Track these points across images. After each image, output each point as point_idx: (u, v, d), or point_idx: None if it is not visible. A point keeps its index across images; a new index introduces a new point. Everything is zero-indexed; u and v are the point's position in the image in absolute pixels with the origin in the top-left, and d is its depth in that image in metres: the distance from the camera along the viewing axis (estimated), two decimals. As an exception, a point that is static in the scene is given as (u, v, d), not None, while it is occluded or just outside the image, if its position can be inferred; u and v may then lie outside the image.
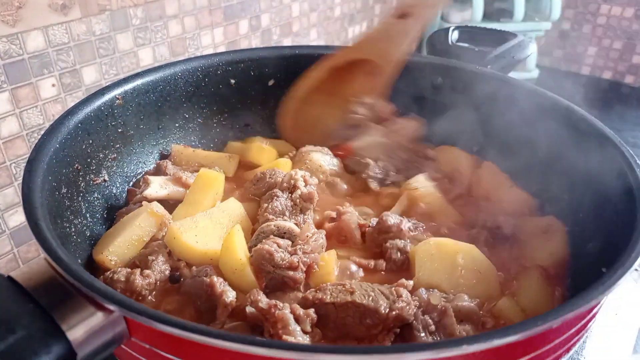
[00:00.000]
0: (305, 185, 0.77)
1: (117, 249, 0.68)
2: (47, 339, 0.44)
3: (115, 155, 0.81)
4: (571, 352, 0.56)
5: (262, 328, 0.57)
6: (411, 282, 0.63)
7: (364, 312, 0.58)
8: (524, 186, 0.85)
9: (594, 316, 0.57)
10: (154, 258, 0.66)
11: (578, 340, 0.55)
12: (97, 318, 0.46)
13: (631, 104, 2.13)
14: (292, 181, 0.77)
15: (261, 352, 0.42)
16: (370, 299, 0.58)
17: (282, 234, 0.70)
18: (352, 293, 0.59)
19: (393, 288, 0.60)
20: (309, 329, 0.56)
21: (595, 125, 0.76)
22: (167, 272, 0.67)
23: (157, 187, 0.79)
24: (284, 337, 0.54)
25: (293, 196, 0.76)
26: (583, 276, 0.65)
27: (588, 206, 0.72)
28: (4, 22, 0.97)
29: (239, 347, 0.42)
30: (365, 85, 0.93)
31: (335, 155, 0.90)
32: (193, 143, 0.96)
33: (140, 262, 0.67)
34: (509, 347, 0.45)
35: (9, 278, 0.47)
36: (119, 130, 0.81)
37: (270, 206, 0.74)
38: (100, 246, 0.69)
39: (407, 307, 0.57)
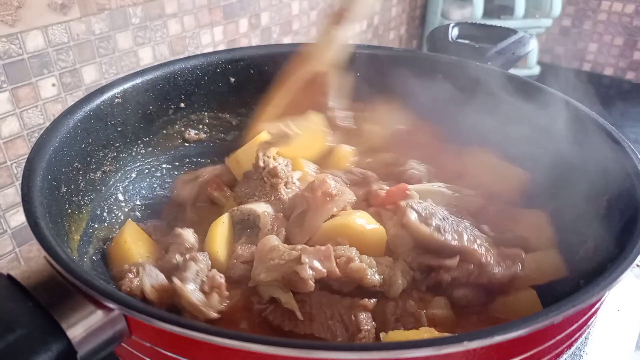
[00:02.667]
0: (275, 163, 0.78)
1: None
2: (46, 337, 0.44)
3: (115, 154, 0.81)
4: (573, 348, 0.56)
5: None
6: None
7: None
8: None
9: (595, 312, 0.56)
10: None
11: (580, 336, 0.55)
12: (97, 316, 0.46)
13: (632, 101, 2.13)
14: (263, 160, 0.78)
15: (261, 349, 0.42)
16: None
17: (247, 217, 0.73)
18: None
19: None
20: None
21: (594, 119, 0.75)
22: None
23: None
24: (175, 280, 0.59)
25: (263, 174, 0.77)
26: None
27: (582, 202, 0.72)
28: (3, 22, 0.97)
29: (239, 345, 0.42)
30: (315, 93, 0.93)
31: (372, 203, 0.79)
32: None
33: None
34: (510, 343, 0.45)
35: (9, 277, 0.47)
36: (119, 129, 0.81)
37: (238, 189, 0.76)
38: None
39: None
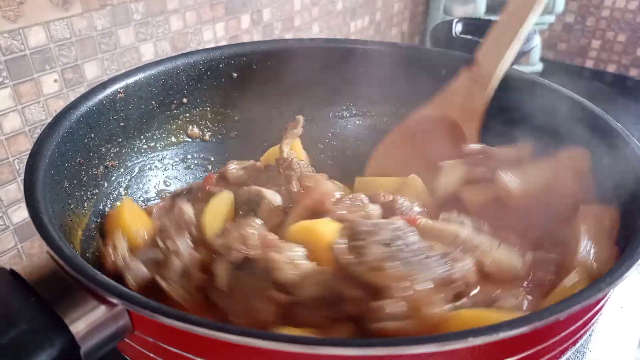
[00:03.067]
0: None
1: None
2: (49, 332, 0.44)
3: (117, 149, 0.81)
4: (577, 345, 0.56)
5: None
6: None
7: None
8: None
9: (601, 309, 0.56)
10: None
11: (585, 332, 0.55)
12: (100, 311, 0.46)
13: (635, 98, 2.12)
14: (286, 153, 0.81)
15: (264, 344, 0.42)
16: None
17: (253, 197, 0.74)
18: None
19: None
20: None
21: (599, 115, 0.75)
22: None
23: None
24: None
25: (280, 167, 0.79)
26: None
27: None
28: (5, 17, 0.97)
29: (243, 340, 0.42)
30: (449, 145, 0.82)
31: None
32: (195, 138, 0.96)
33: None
34: (515, 339, 0.45)
35: (11, 272, 0.47)
36: (121, 124, 0.81)
37: (256, 178, 0.78)
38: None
39: None
